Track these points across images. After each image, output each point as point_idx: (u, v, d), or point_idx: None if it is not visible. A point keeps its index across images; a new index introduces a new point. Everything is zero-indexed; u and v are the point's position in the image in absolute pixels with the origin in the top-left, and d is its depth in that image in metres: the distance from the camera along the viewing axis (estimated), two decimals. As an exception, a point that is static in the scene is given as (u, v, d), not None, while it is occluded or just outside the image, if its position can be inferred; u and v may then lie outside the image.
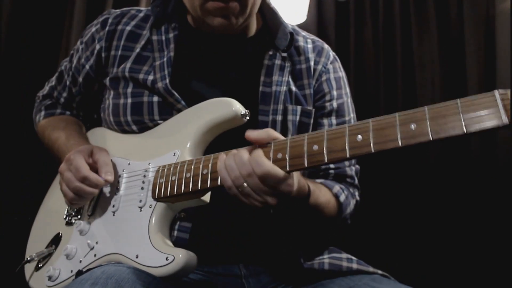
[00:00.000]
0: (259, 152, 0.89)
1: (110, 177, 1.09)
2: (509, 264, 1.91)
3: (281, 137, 0.93)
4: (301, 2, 2.47)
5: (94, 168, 1.11)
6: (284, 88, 1.21)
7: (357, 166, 1.30)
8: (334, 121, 1.27)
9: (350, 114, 1.31)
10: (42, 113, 1.42)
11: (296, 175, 0.94)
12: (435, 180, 2.25)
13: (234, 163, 0.90)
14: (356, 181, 1.29)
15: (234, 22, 1.16)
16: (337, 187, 1.20)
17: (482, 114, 0.72)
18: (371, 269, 1.19)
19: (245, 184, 0.89)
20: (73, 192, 1.08)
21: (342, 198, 1.19)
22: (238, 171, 0.89)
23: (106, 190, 1.14)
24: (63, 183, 1.11)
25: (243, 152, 0.91)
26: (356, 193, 1.28)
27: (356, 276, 1.15)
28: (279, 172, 0.87)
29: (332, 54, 1.33)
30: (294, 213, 1.09)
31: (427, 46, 2.40)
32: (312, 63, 1.27)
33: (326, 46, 1.34)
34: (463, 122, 0.73)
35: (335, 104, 1.27)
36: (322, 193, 1.14)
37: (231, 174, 0.90)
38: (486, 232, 2.05)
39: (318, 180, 1.21)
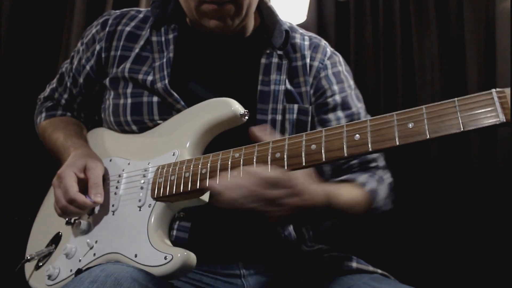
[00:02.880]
0: (288, 174, 0.89)
1: (100, 199, 1.09)
2: (509, 264, 1.91)
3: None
4: (301, 2, 2.48)
5: (86, 183, 1.12)
6: (282, 87, 1.21)
7: None
8: (341, 114, 1.25)
9: (357, 105, 1.29)
10: (43, 114, 1.43)
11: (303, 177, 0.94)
12: (435, 180, 2.25)
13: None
14: (381, 163, 1.26)
15: (229, 23, 1.16)
16: (361, 178, 1.18)
17: (480, 112, 0.72)
18: (370, 268, 1.18)
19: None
20: (61, 211, 1.10)
21: (368, 186, 1.16)
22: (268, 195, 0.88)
23: (107, 189, 1.14)
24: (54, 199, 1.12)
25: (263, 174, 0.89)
26: (386, 175, 1.25)
27: (356, 275, 1.15)
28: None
29: (329, 49, 1.32)
30: (323, 219, 1.08)
31: (427, 46, 2.40)
32: (308, 60, 1.27)
33: (323, 42, 1.34)
34: (460, 120, 0.74)
35: (338, 98, 1.26)
36: (345, 189, 1.12)
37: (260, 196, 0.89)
38: (486, 232, 2.05)
39: (341, 178, 1.19)
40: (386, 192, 1.22)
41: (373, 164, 1.25)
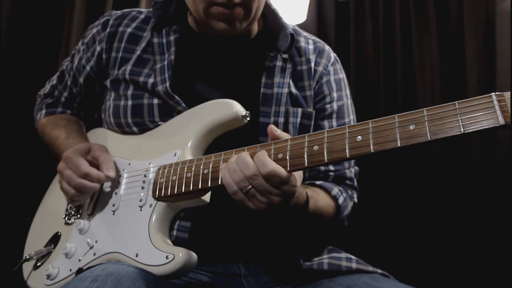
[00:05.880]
0: (263, 152, 0.90)
1: (112, 173, 1.10)
2: (508, 264, 1.91)
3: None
4: (301, 2, 2.48)
5: (93, 164, 1.12)
6: (285, 90, 1.21)
7: (356, 167, 1.31)
8: (334, 123, 1.27)
9: (350, 116, 1.31)
10: (43, 111, 1.43)
11: (298, 179, 0.95)
12: (435, 180, 2.25)
13: (236, 166, 0.90)
14: (355, 183, 1.29)
15: (238, 27, 1.16)
16: (336, 189, 1.20)
17: (480, 115, 0.74)
18: (370, 268, 1.19)
19: (249, 186, 0.89)
20: (75, 189, 1.09)
21: (340, 200, 1.19)
22: (242, 173, 0.89)
23: (107, 189, 1.15)
24: (63, 181, 1.12)
25: (245, 155, 0.91)
26: (355, 195, 1.28)
27: (356, 275, 1.15)
28: (283, 171, 0.88)
29: (333, 55, 1.33)
30: (296, 219, 1.10)
31: (427, 46, 2.40)
32: (312, 64, 1.27)
33: (327, 47, 1.34)
34: (461, 123, 0.75)
35: (335, 106, 1.27)
36: (321, 197, 1.14)
37: (235, 177, 0.90)
38: (485, 232, 2.05)
39: (317, 182, 1.21)
40: (349, 210, 1.25)
41: (348, 182, 1.27)
